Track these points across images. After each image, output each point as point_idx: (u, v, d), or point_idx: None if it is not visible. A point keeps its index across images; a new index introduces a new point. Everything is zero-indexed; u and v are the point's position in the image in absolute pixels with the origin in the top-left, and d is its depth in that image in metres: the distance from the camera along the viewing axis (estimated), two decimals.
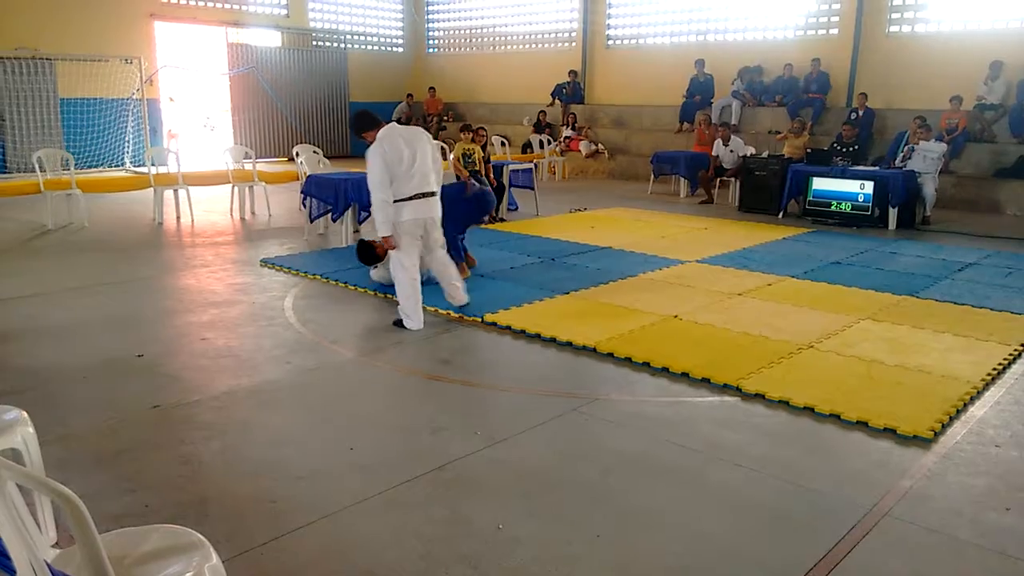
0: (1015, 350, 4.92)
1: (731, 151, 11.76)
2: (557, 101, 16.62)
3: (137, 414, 3.88)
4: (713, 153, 12.00)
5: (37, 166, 8.95)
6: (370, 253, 6.12)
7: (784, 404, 4.06)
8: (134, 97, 14.60)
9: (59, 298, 6.04)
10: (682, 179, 12.65)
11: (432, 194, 5.29)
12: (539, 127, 15.91)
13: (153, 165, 9.97)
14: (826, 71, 13.35)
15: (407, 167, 5.12)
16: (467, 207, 6.67)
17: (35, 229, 8.88)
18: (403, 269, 5.30)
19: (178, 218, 9.61)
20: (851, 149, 11.12)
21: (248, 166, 10.49)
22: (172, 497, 3.09)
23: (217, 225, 9.33)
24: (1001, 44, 11.76)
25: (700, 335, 5.18)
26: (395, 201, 5.12)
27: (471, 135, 9.60)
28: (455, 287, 5.63)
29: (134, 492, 3.11)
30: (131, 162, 14.54)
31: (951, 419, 3.89)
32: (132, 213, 10.03)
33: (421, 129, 5.49)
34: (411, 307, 5.35)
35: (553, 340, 5.05)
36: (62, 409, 3.93)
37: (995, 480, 3.31)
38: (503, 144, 14.68)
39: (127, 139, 14.70)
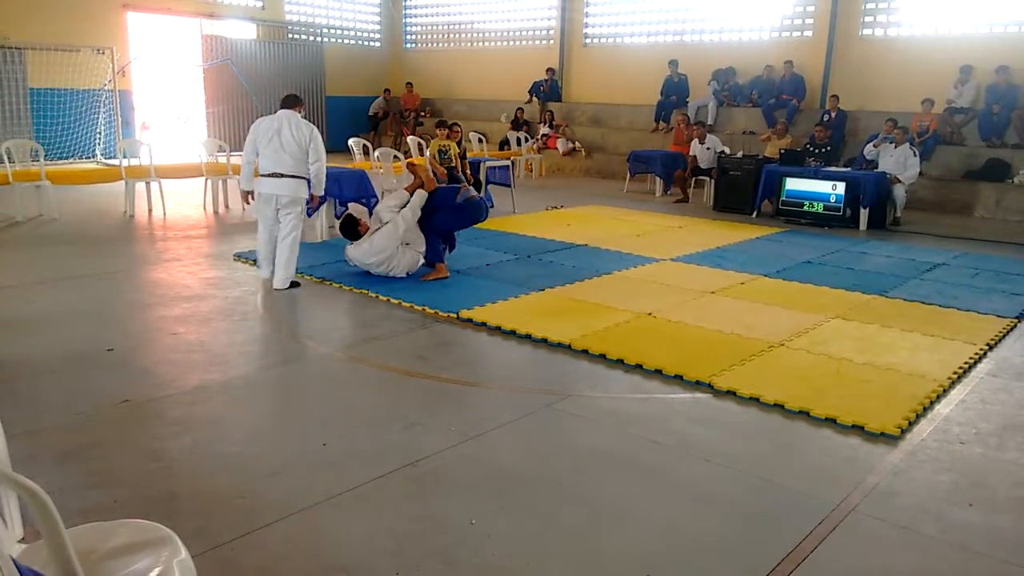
0: (981, 349, 5.02)
1: (707, 148, 11.87)
2: (534, 98, 16.64)
3: (106, 409, 3.83)
4: (691, 153, 12.09)
5: (5, 157, 8.77)
6: (353, 228, 6.50)
7: (755, 401, 4.10)
8: (106, 88, 14.40)
9: (27, 291, 5.94)
10: (658, 178, 12.72)
11: (281, 176, 6.00)
12: (516, 124, 15.92)
13: (125, 157, 9.84)
14: (800, 73, 13.48)
15: (264, 146, 5.99)
16: (455, 214, 6.60)
17: (3, 221, 8.73)
18: (259, 227, 6.33)
19: (150, 211, 9.49)
20: (824, 150, 11.27)
21: (222, 159, 10.39)
22: (141, 492, 3.06)
23: (190, 219, 9.23)
24: (971, 49, 11.96)
25: (673, 332, 5.22)
26: (260, 175, 6.07)
27: (446, 131, 9.60)
28: (277, 273, 6.17)
29: (103, 487, 3.08)
30: (102, 154, 14.34)
31: (918, 417, 3.95)
32: (103, 206, 9.90)
33: (310, 126, 6.11)
34: (261, 258, 6.37)
35: (528, 337, 5.06)
36: (30, 403, 3.88)
37: (959, 477, 3.37)
38: (480, 141, 14.67)
39: (99, 130, 14.48)
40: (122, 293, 6.01)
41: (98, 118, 14.46)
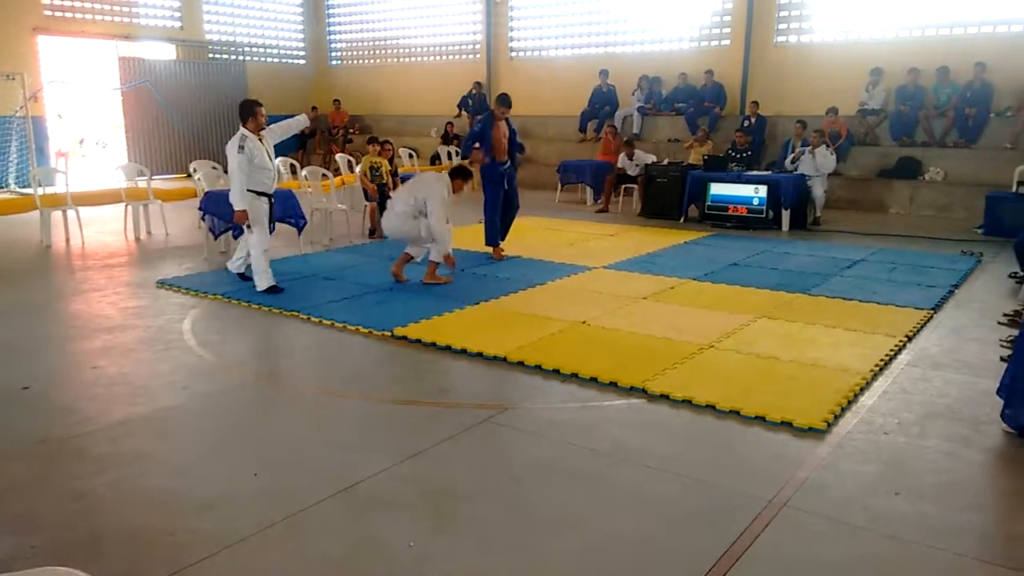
0: (900, 341, 5.21)
1: (636, 164, 12.09)
2: (464, 112, 16.67)
3: (22, 450, 3.66)
4: (619, 165, 12.27)
5: None
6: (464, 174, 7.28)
7: (687, 403, 4.17)
8: (18, 115, 13.84)
9: None
10: (588, 188, 12.86)
11: None
12: (447, 138, 15.91)
13: (40, 185, 9.46)
14: (720, 81, 13.84)
15: None
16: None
17: None
18: None
19: (67, 240, 9.14)
20: (745, 155, 11.58)
21: (142, 183, 10.08)
22: (62, 536, 2.92)
23: (110, 246, 8.92)
24: (880, 52, 12.48)
25: (607, 340, 5.27)
26: None
27: (378, 148, 9.54)
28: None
29: (19, 534, 2.92)
30: (16, 183, 13.77)
31: (843, 410, 4.07)
32: (18, 237, 9.48)
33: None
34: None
35: (463, 351, 5.03)
36: None
37: (884, 467, 3.48)
38: (411, 156, 14.60)
39: (11, 159, 13.91)
40: (39, 327, 5.76)
41: (10, 146, 13.88)
